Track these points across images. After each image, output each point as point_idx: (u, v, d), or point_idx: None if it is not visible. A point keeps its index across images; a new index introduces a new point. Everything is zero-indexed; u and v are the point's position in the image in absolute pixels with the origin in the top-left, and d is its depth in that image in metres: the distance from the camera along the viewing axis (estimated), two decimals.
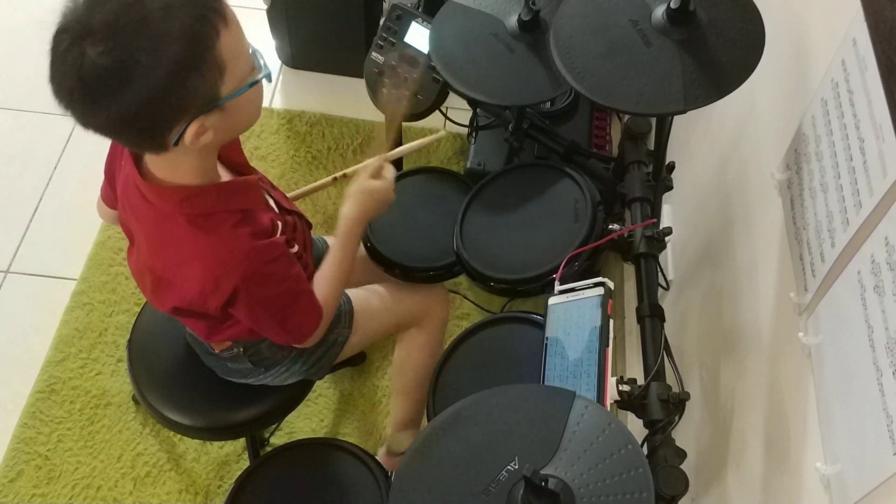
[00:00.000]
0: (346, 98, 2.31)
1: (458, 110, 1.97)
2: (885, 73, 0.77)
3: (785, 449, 0.98)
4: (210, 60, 0.94)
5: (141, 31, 0.89)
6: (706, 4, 1.13)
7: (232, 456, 1.82)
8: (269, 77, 1.04)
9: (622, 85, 1.11)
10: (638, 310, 1.18)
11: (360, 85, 1.65)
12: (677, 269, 1.61)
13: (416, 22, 1.60)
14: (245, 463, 1.79)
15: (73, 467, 1.81)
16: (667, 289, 1.61)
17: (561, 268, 1.22)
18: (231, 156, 1.21)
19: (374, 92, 1.63)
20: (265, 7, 2.26)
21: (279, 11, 2.26)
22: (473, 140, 2.01)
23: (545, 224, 1.35)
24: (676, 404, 1.03)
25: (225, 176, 1.17)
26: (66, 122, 2.41)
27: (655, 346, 1.12)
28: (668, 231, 1.25)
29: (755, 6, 1.12)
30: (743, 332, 1.20)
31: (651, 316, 1.16)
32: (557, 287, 1.18)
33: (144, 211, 1.11)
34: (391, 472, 1.40)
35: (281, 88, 2.45)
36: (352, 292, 1.47)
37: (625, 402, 1.04)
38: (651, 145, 1.37)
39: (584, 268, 1.26)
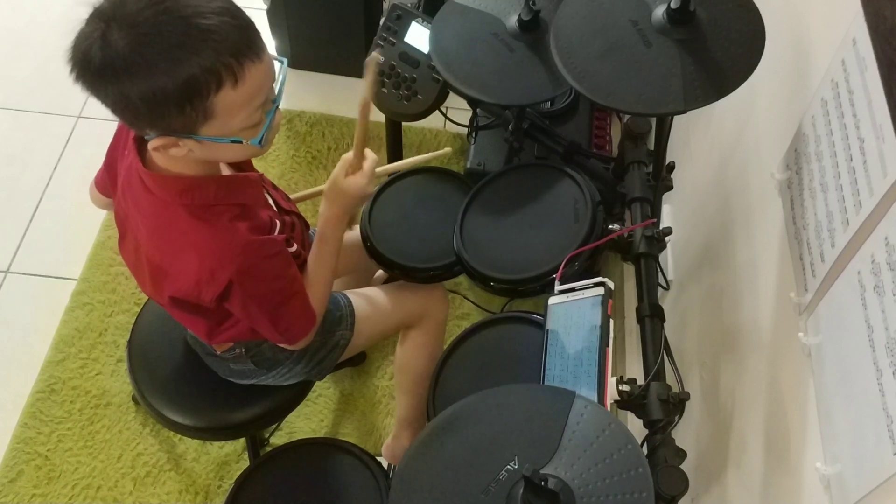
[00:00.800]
0: (346, 98, 2.30)
1: (458, 110, 1.97)
2: (885, 73, 0.77)
3: (785, 449, 0.98)
4: (198, 106, 0.96)
5: (157, 41, 0.92)
6: (706, 4, 1.13)
7: (232, 456, 1.82)
8: (260, 143, 1.05)
9: (622, 85, 1.11)
10: (638, 310, 1.18)
11: (360, 85, 1.65)
12: (677, 269, 1.61)
13: (416, 22, 1.60)
14: (245, 463, 1.79)
15: (73, 467, 1.81)
16: (667, 289, 1.61)
17: (561, 268, 1.22)
18: None
19: (374, 92, 1.63)
20: (265, 7, 2.26)
21: (279, 11, 2.26)
22: (473, 140, 2.02)
23: (545, 224, 1.35)
24: (676, 404, 1.03)
25: (226, 171, 1.18)
26: (66, 122, 2.43)
27: (655, 346, 1.12)
28: (668, 231, 1.25)
29: (755, 6, 1.12)
30: (743, 332, 1.20)
31: (651, 316, 1.16)
32: (557, 287, 1.18)
33: (145, 200, 1.11)
34: (385, 462, 1.40)
35: None
36: (353, 295, 1.48)
37: (625, 402, 1.04)
38: (651, 145, 1.37)
39: (584, 268, 1.26)
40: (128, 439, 1.84)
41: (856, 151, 0.84)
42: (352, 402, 1.91)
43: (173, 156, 1.04)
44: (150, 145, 1.02)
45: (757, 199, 1.21)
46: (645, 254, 1.23)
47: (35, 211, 2.20)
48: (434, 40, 1.41)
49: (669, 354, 1.11)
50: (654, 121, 1.36)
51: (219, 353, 1.36)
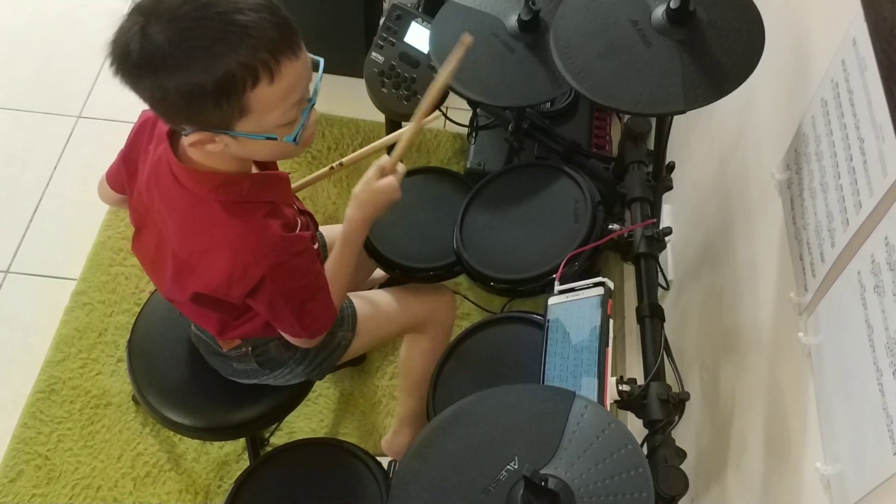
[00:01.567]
0: (346, 98, 2.30)
1: (458, 110, 1.97)
2: (885, 73, 0.77)
3: (785, 449, 0.98)
4: (234, 102, 0.97)
5: (196, 36, 0.93)
6: (706, 4, 1.13)
7: (232, 456, 1.82)
8: (295, 141, 1.06)
9: (622, 85, 1.11)
10: (638, 310, 1.18)
11: (360, 85, 1.65)
12: (677, 269, 1.61)
13: (416, 22, 1.60)
14: (245, 463, 1.79)
15: (73, 467, 1.80)
16: (667, 289, 1.61)
17: (561, 268, 1.22)
18: None
19: (374, 92, 1.63)
20: None
21: None
22: (473, 140, 2.02)
23: (545, 224, 1.35)
24: (676, 404, 1.03)
25: (254, 169, 1.18)
26: (66, 122, 2.43)
27: (655, 346, 1.12)
28: (668, 231, 1.25)
29: (755, 6, 1.12)
30: (743, 332, 1.20)
31: (651, 316, 1.16)
32: (557, 287, 1.18)
33: (176, 194, 1.11)
34: (385, 462, 1.40)
35: None
36: (356, 297, 1.48)
37: (625, 402, 1.04)
38: (651, 145, 1.37)
39: (584, 268, 1.26)
40: (128, 439, 1.84)
41: (856, 151, 0.84)
42: (352, 402, 1.91)
43: (209, 151, 1.04)
44: (187, 141, 1.02)
45: (757, 199, 1.21)
46: (645, 254, 1.23)
47: (35, 211, 2.20)
48: (434, 40, 1.41)
49: (669, 354, 1.11)
50: (654, 121, 1.36)
51: (224, 351, 1.36)
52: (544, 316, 1.17)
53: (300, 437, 1.68)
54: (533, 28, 1.37)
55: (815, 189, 0.94)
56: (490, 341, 1.37)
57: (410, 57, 1.60)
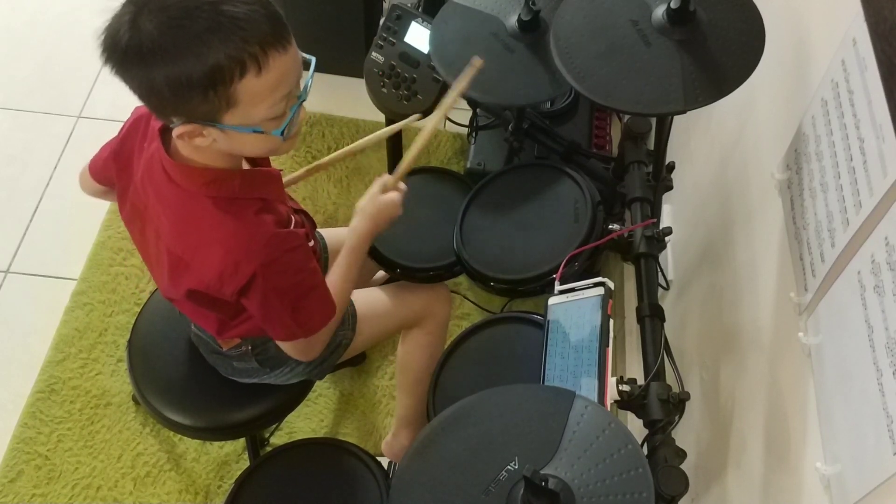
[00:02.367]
0: (346, 98, 2.30)
1: (458, 110, 1.97)
2: (885, 73, 0.77)
3: (785, 449, 0.98)
4: (221, 93, 0.97)
5: (186, 26, 0.93)
6: (706, 4, 1.13)
7: (232, 456, 1.82)
8: (282, 135, 1.06)
9: (622, 85, 1.11)
10: (638, 310, 1.18)
11: (360, 85, 1.65)
12: (677, 269, 1.61)
13: (416, 22, 1.60)
14: (245, 463, 1.79)
15: (73, 467, 1.81)
16: (667, 289, 1.61)
17: (561, 268, 1.22)
18: None
19: (374, 92, 1.63)
20: None
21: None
22: (473, 140, 2.02)
23: (545, 224, 1.35)
24: (676, 404, 1.03)
25: (245, 166, 1.18)
26: (66, 122, 2.43)
27: (655, 346, 1.12)
28: (668, 231, 1.25)
29: (755, 6, 1.12)
30: (743, 332, 1.20)
31: (651, 316, 1.16)
32: (557, 287, 1.18)
33: (169, 191, 1.11)
34: (385, 462, 1.40)
35: None
36: (355, 296, 1.48)
37: (625, 402, 1.04)
38: (651, 145, 1.37)
39: (584, 268, 1.26)
40: (128, 439, 1.84)
41: (856, 151, 0.84)
42: (352, 402, 1.91)
43: (198, 146, 1.04)
44: (175, 132, 1.02)
45: (757, 199, 1.21)
46: (645, 254, 1.23)
47: (35, 211, 2.20)
48: (434, 40, 1.41)
49: (669, 354, 1.11)
50: (654, 121, 1.36)
51: (224, 350, 1.36)
52: (544, 316, 1.17)
53: (300, 437, 1.68)
54: (533, 28, 1.37)
55: (815, 189, 0.94)
56: (490, 341, 1.37)
57: (410, 57, 1.60)
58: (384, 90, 1.61)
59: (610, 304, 1.08)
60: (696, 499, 1.27)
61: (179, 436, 1.80)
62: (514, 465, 0.89)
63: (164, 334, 1.50)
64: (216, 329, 1.28)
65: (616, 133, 2.12)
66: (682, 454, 1.01)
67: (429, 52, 1.43)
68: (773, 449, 1.03)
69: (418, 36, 1.60)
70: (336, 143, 2.29)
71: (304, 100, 1.07)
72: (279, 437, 1.82)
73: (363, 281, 1.73)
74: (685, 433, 1.30)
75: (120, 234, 2.11)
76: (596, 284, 1.12)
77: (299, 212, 1.32)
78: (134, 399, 1.87)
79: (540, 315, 1.28)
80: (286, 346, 1.25)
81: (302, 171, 1.48)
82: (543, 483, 0.83)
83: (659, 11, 1.13)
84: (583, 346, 1.07)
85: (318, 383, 1.58)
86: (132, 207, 1.21)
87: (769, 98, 1.19)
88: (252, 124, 1.02)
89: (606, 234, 1.27)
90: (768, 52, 1.07)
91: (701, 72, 1.09)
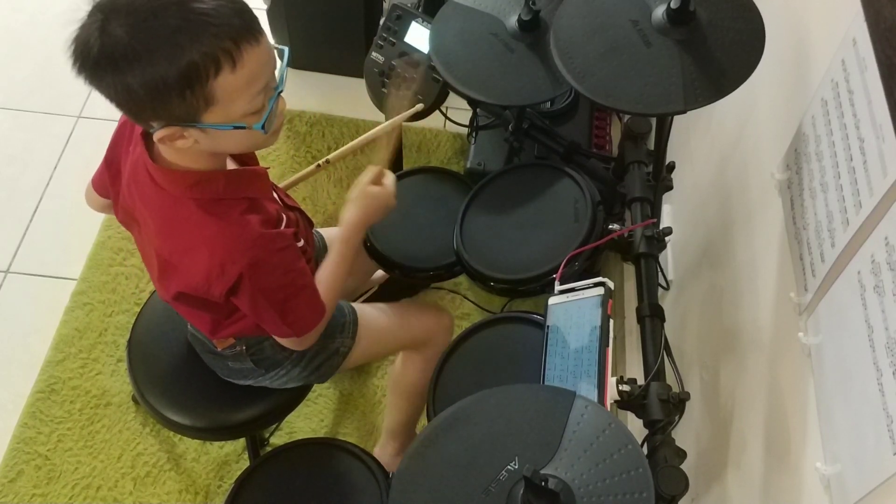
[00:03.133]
0: (346, 98, 2.30)
1: (458, 110, 1.97)
2: (885, 73, 0.77)
3: (785, 449, 0.98)
4: (198, 92, 0.96)
5: (155, 27, 0.92)
6: (706, 4, 1.13)
7: (232, 456, 1.82)
8: (263, 129, 1.05)
9: (622, 85, 1.11)
10: (638, 310, 1.18)
11: (360, 85, 1.65)
12: (677, 269, 1.61)
13: (416, 22, 1.60)
14: (245, 463, 1.79)
15: (73, 467, 1.80)
16: (667, 289, 1.61)
17: (561, 268, 1.22)
18: None
19: (374, 92, 1.63)
20: (265, 7, 2.26)
21: (279, 11, 2.26)
22: (473, 140, 2.01)
23: (545, 224, 1.35)
24: (676, 404, 1.03)
25: (232, 166, 1.18)
26: (66, 122, 2.43)
27: (655, 346, 1.12)
28: (668, 231, 1.25)
29: (755, 6, 1.12)
30: (743, 332, 1.20)
31: (651, 316, 1.16)
32: (557, 287, 1.18)
33: (153, 194, 1.11)
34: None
35: None
36: (359, 307, 1.48)
37: (625, 402, 1.04)
38: (651, 145, 1.37)
39: (584, 268, 1.26)
40: (128, 439, 1.84)
41: (856, 151, 0.84)
42: (352, 402, 1.91)
43: (180, 148, 1.04)
44: (156, 136, 1.02)
45: (757, 199, 1.21)
46: (645, 254, 1.23)
47: (35, 211, 2.20)
48: (434, 40, 1.41)
49: (669, 354, 1.11)
50: (654, 121, 1.36)
51: (219, 349, 1.36)
52: (544, 316, 1.17)
53: (300, 437, 1.68)
54: (533, 28, 1.37)
55: (815, 189, 0.94)
56: (490, 341, 1.37)
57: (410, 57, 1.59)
58: (384, 90, 1.60)
59: (610, 304, 1.08)
60: (696, 499, 1.27)
61: (179, 436, 1.80)
62: (514, 465, 0.89)
63: (163, 334, 1.50)
64: (210, 329, 1.28)
65: (616, 133, 2.12)
66: (682, 454, 1.01)
67: (429, 52, 1.43)
68: (773, 449, 1.03)
69: (418, 36, 1.60)
70: (336, 143, 2.29)
71: (281, 90, 1.06)
72: (279, 437, 1.82)
73: (360, 280, 1.73)
74: (685, 433, 1.30)
75: (120, 234, 2.11)
76: (596, 284, 1.12)
77: (293, 209, 1.31)
78: (134, 399, 1.87)
79: (540, 315, 1.28)
80: (279, 339, 1.25)
81: (311, 167, 1.48)
82: (543, 483, 0.83)
83: (659, 11, 1.12)
84: (583, 347, 1.07)
85: (317, 384, 1.58)
86: (124, 212, 1.22)
87: (769, 98, 1.19)
88: (232, 121, 1.02)
89: (606, 234, 1.27)
90: (768, 52, 1.07)
91: (701, 72, 1.09)
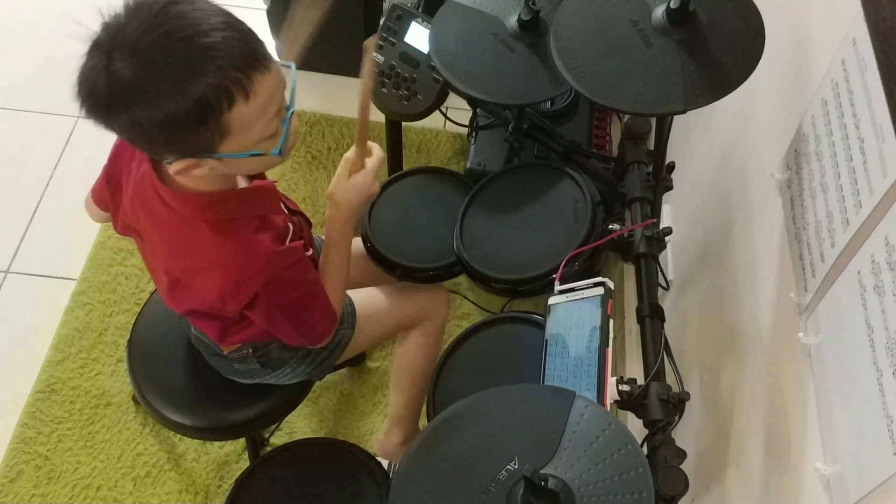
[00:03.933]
0: (346, 98, 2.29)
1: (458, 110, 1.97)
2: (885, 73, 0.77)
3: (785, 449, 0.98)
4: (212, 125, 0.95)
5: (162, 65, 0.91)
6: (706, 4, 1.13)
7: (232, 456, 1.82)
8: (280, 153, 1.04)
9: (622, 85, 1.11)
10: (638, 310, 1.18)
11: (359, 74, 1.65)
12: (677, 269, 1.61)
13: (416, 22, 1.60)
14: (245, 463, 1.79)
15: (73, 467, 1.80)
16: (667, 289, 1.61)
17: (561, 268, 1.22)
18: None
19: (374, 92, 1.63)
20: (265, 7, 2.26)
21: (279, 11, 2.26)
22: (473, 140, 2.01)
23: (545, 224, 1.35)
24: (676, 404, 1.03)
25: (242, 181, 1.17)
26: (66, 122, 2.43)
27: (655, 346, 1.12)
28: (668, 231, 1.25)
29: (755, 6, 1.12)
30: (743, 332, 1.20)
31: (651, 316, 1.16)
32: (557, 287, 1.18)
33: (162, 215, 1.11)
34: (385, 462, 1.40)
35: None
36: (354, 294, 1.48)
37: (625, 402, 1.04)
38: (651, 145, 1.37)
39: (584, 268, 1.26)
40: (128, 439, 1.84)
41: (856, 151, 0.84)
42: (352, 402, 1.91)
43: (196, 176, 1.03)
44: (172, 169, 1.01)
45: (757, 199, 1.21)
46: (645, 254, 1.23)
47: (35, 211, 2.20)
48: (434, 40, 1.41)
49: (669, 354, 1.11)
50: (654, 121, 1.36)
51: (225, 353, 1.36)
52: (544, 316, 1.17)
53: (300, 437, 1.68)
54: (533, 28, 1.37)
55: (815, 189, 0.94)
56: (490, 341, 1.37)
57: (410, 57, 1.59)
58: (384, 90, 1.60)
59: (610, 304, 1.08)
60: (696, 499, 1.27)
61: (179, 436, 1.80)
62: (514, 465, 0.89)
63: (164, 334, 1.50)
64: (218, 336, 1.28)
65: (616, 133, 2.12)
66: (682, 454, 1.01)
67: (429, 52, 1.43)
68: (773, 449, 1.03)
69: (418, 36, 1.60)
70: (336, 143, 2.29)
71: (292, 110, 1.05)
72: (279, 437, 1.82)
73: (363, 283, 1.73)
74: (685, 433, 1.30)
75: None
76: (596, 284, 1.12)
77: (296, 213, 1.31)
78: (134, 399, 1.87)
79: (540, 315, 1.28)
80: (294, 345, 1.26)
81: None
82: (543, 483, 0.83)
83: (659, 11, 1.12)
84: (583, 347, 1.07)
85: (318, 383, 1.58)
86: (124, 226, 1.21)
87: (769, 98, 1.19)
88: (248, 149, 1.01)
89: (606, 234, 1.27)
90: (768, 52, 1.07)
91: (701, 72, 1.08)
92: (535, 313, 1.35)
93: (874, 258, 0.77)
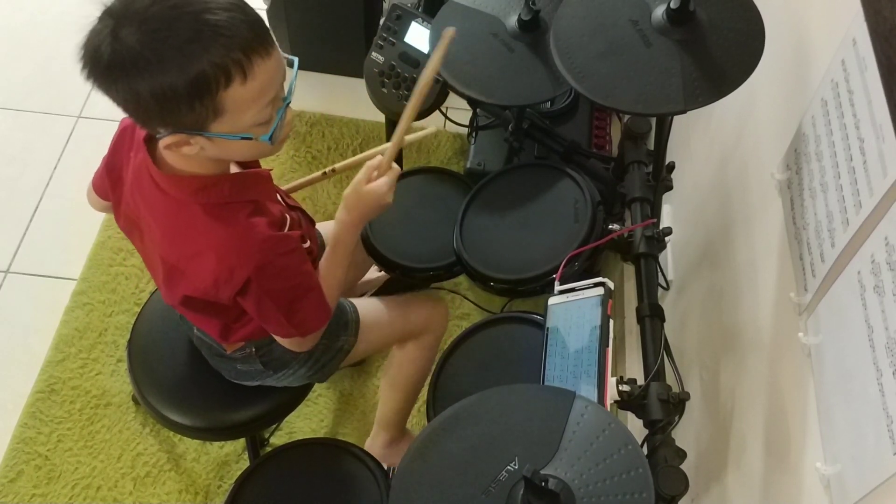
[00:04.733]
0: (346, 98, 2.30)
1: (459, 110, 1.97)
2: (885, 73, 0.77)
3: (785, 449, 0.98)
4: (207, 102, 0.96)
5: (167, 37, 0.92)
6: (706, 4, 1.13)
7: (232, 456, 1.82)
8: (271, 140, 1.05)
9: (622, 85, 1.11)
10: (638, 310, 1.18)
11: (360, 85, 1.65)
12: (677, 269, 1.61)
13: (416, 22, 1.60)
14: (245, 463, 1.79)
15: (73, 467, 1.80)
16: (667, 289, 1.61)
17: (561, 268, 1.22)
18: None
19: (374, 92, 1.63)
20: (265, 7, 2.26)
21: (279, 11, 2.26)
22: (473, 140, 2.02)
23: (545, 224, 1.35)
24: (676, 404, 1.03)
25: (235, 169, 1.18)
26: (66, 122, 2.43)
27: (655, 346, 1.12)
28: (668, 231, 1.25)
29: (755, 6, 1.12)
30: (743, 332, 1.20)
31: (651, 316, 1.16)
32: (557, 287, 1.18)
33: (158, 200, 1.11)
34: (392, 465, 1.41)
35: None
36: (359, 303, 1.48)
37: (625, 402, 1.04)
38: (651, 145, 1.37)
39: (584, 268, 1.26)
40: (128, 439, 1.84)
41: (856, 151, 0.84)
42: (352, 402, 1.91)
43: (185, 154, 1.04)
44: (162, 143, 1.02)
45: (757, 199, 1.21)
46: (645, 254, 1.23)
47: (35, 211, 2.20)
48: (434, 40, 1.41)
49: (669, 354, 1.11)
50: (654, 121, 1.36)
51: (228, 353, 1.36)
52: (544, 316, 1.17)
53: (300, 437, 1.68)
54: (533, 28, 1.37)
55: (815, 189, 0.94)
56: (490, 341, 1.37)
57: (410, 57, 1.59)
58: (384, 90, 1.60)
59: (610, 304, 1.08)
60: (696, 499, 1.27)
61: (179, 436, 1.80)
62: (514, 465, 0.89)
63: (164, 334, 1.50)
64: (220, 333, 1.28)
65: (616, 133, 2.12)
66: (682, 454, 1.01)
67: (429, 52, 1.43)
68: (773, 449, 1.03)
69: (418, 36, 1.60)
70: (336, 143, 2.29)
71: (289, 102, 1.06)
72: (279, 437, 1.82)
73: (359, 271, 1.73)
74: (685, 433, 1.30)
75: (120, 234, 2.09)
76: (596, 284, 1.12)
77: (295, 209, 1.31)
78: (134, 399, 1.87)
79: (540, 315, 1.28)
80: (281, 340, 1.25)
81: (316, 174, 1.47)
82: (543, 483, 0.83)
83: (659, 11, 1.13)
84: (583, 347, 1.07)
85: (318, 383, 1.59)
86: (126, 218, 1.22)
87: (769, 98, 1.19)
88: (240, 131, 1.02)
89: (606, 234, 1.27)
90: (768, 52, 1.07)
91: (701, 72, 1.09)
92: (535, 313, 1.35)
93: (874, 258, 0.77)
